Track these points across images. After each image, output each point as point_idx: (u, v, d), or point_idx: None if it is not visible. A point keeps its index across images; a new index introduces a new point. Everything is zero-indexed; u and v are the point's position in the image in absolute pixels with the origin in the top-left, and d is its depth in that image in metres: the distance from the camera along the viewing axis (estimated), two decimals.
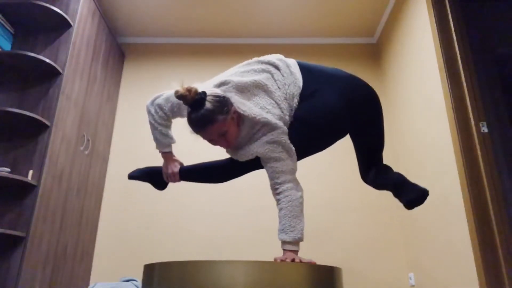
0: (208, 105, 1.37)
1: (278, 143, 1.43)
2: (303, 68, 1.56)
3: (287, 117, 1.48)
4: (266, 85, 1.49)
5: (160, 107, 1.55)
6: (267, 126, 1.42)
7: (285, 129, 1.44)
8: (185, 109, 1.50)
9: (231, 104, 1.44)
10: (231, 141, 1.46)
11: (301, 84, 1.51)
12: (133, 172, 1.70)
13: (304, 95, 1.50)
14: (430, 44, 2.63)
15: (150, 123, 1.59)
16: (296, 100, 1.49)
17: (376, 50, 3.82)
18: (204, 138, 1.45)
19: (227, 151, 1.57)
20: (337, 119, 1.48)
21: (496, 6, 2.55)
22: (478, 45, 2.45)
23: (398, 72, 3.26)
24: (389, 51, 3.49)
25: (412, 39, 2.94)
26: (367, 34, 3.81)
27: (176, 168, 1.65)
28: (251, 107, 1.45)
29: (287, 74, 1.51)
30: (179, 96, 1.36)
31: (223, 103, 1.40)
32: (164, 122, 1.58)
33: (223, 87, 1.50)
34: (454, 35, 2.43)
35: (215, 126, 1.39)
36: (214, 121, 1.38)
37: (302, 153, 1.50)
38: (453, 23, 2.45)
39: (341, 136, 1.55)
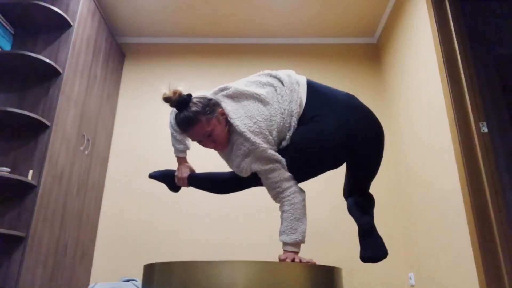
0: (192, 106, 1.43)
1: (265, 158, 1.42)
2: (312, 89, 1.52)
3: (274, 132, 1.45)
4: (263, 96, 1.47)
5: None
6: (248, 142, 1.41)
7: (265, 146, 1.41)
8: None
9: (218, 105, 1.47)
10: (219, 142, 1.48)
11: (303, 104, 1.47)
12: (154, 172, 1.80)
13: (305, 118, 1.47)
14: (430, 44, 2.63)
15: (171, 128, 1.69)
16: (294, 119, 1.46)
17: (376, 50, 3.82)
18: (192, 139, 1.50)
19: (229, 166, 1.57)
20: (332, 151, 1.44)
21: (496, 6, 2.55)
22: (478, 45, 2.45)
23: (398, 72, 3.26)
24: (389, 51, 3.49)
25: (412, 39, 2.94)
26: (367, 34, 3.81)
27: (185, 174, 1.73)
28: (240, 116, 1.44)
29: (291, 91, 1.48)
30: (165, 98, 1.43)
31: (206, 104, 1.44)
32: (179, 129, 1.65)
33: (222, 92, 1.52)
34: (454, 35, 2.43)
35: (198, 127, 1.43)
36: (197, 122, 1.42)
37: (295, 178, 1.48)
38: (453, 23, 2.45)
39: (336, 166, 1.52)
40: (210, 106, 1.45)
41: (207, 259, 3.12)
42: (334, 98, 1.49)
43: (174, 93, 1.43)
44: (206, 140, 1.48)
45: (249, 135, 1.41)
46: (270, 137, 1.44)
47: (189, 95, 1.45)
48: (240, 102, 1.48)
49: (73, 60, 2.77)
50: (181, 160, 1.74)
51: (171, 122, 1.68)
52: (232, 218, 3.25)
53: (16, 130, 2.50)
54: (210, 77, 3.72)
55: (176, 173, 1.75)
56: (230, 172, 1.67)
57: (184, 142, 1.70)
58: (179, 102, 1.43)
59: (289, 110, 1.46)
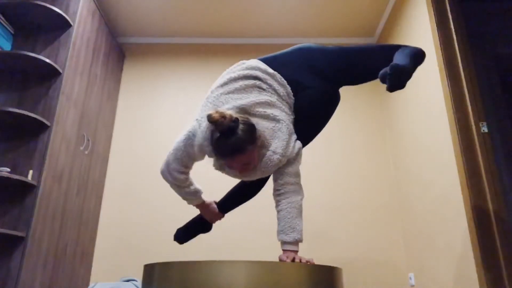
0: (240, 133, 1.31)
1: (293, 157, 1.47)
2: (272, 64, 1.56)
3: (292, 117, 1.51)
4: (262, 99, 1.47)
5: (177, 170, 1.54)
6: (281, 146, 1.45)
7: (290, 147, 1.45)
8: (194, 154, 1.48)
9: (258, 132, 1.39)
10: (250, 170, 1.43)
11: (284, 80, 1.52)
12: (177, 236, 1.75)
13: (293, 89, 1.54)
14: (430, 44, 2.63)
15: (174, 186, 1.59)
16: (291, 96, 1.52)
17: None
18: (227, 164, 1.39)
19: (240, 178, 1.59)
20: (331, 99, 1.59)
21: (496, 6, 2.55)
22: (478, 45, 2.45)
23: None
24: None
25: (412, 39, 2.94)
26: (367, 34, 3.81)
27: (216, 209, 1.76)
28: (267, 126, 1.43)
29: (269, 79, 1.50)
30: (213, 121, 1.29)
31: (253, 132, 1.35)
32: (188, 182, 1.61)
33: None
34: (454, 35, 2.43)
35: (244, 156, 1.34)
36: (244, 151, 1.33)
37: (305, 137, 1.56)
38: (453, 23, 2.45)
39: (337, 103, 1.66)
40: (256, 134, 1.37)
41: (207, 259, 3.12)
42: (296, 57, 1.60)
43: (224, 117, 1.28)
44: (242, 167, 1.39)
45: (281, 136, 1.43)
46: (291, 117, 1.51)
47: (237, 119, 1.32)
48: (255, 116, 1.44)
49: (73, 60, 2.77)
50: (202, 204, 1.74)
51: (174, 182, 1.56)
52: (232, 218, 3.25)
53: (16, 130, 2.50)
54: (210, 77, 3.72)
55: (207, 217, 1.77)
56: None
57: (197, 187, 1.65)
58: (230, 127, 1.30)
59: (283, 93, 1.50)
